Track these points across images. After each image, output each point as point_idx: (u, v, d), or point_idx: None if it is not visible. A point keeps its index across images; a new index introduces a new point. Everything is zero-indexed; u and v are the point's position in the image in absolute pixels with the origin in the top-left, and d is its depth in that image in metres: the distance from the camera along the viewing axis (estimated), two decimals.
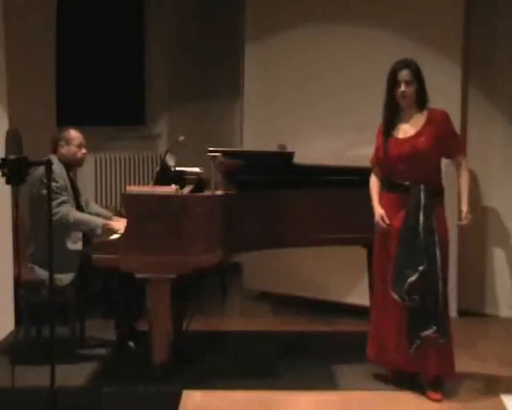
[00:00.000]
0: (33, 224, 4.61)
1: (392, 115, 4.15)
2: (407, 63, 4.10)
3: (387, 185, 4.18)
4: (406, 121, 4.14)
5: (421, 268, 4.00)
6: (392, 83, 4.10)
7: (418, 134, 4.08)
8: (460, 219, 4.13)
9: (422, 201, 4.02)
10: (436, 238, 4.03)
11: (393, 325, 4.14)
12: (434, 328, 4.01)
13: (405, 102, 4.10)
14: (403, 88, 4.06)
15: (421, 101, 4.12)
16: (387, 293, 4.12)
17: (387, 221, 4.11)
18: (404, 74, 4.06)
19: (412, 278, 4.00)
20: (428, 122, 4.09)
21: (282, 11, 6.00)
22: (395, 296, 4.06)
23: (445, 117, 4.13)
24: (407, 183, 4.07)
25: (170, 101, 7.00)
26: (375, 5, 5.62)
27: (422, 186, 4.03)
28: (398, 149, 4.08)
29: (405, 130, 4.13)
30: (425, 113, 4.12)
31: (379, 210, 4.15)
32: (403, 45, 5.42)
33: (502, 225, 5.71)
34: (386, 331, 4.19)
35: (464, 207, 4.10)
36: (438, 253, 4.02)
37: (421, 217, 4.02)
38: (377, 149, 4.22)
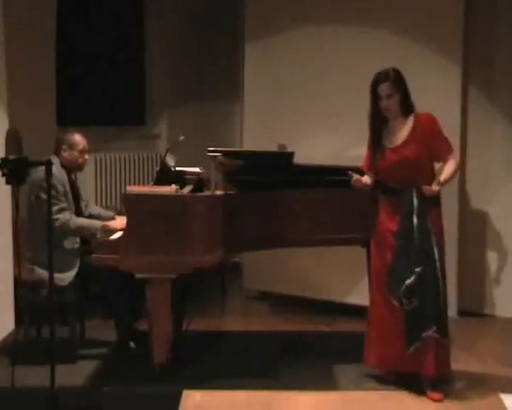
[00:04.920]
0: (32, 226, 4.61)
1: (379, 126, 4.15)
2: (386, 76, 4.07)
3: (383, 189, 4.20)
4: (393, 130, 4.15)
5: (417, 270, 4.01)
6: (375, 96, 4.10)
7: (406, 142, 4.09)
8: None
9: (415, 204, 4.03)
10: (432, 238, 4.03)
11: (391, 327, 4.14)
12: (434, 328, 4.02)
13: (390, 115, 4.12)
14: (384, 102, 4.07)
15: (406, 108, 4.11)
16: (385, 296, 4.13)
17: (360, 179, 4.17)
18: (384, 88, 4.06)
19: (409, 281, 4.01)
20: (415, 128, 4.09)
21: (282, 11, 5.99)
22: (393, 300, 4.07)
23: (430, 120, 4.11)
24: (400, 187, 4.09)
25: (170, 101, 7.00)
26: (374, 5, 5.61)
27: (415, 190, 4.04)
28: (387, 158, 4.11)
29: (393, 139, 4.14)
30: (411, 119, 4.11)
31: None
32: (403, 45, 5.43)
33: (502, 225, 5.70)
34: (384, 334, 4.19)
35: (440, 177, 4.05)
36: (436, 253, 4.03)
37: (415, 219, 4.03)
38: (367, 158, 4.25)
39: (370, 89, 4.12)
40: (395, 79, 4.07)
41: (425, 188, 4.04)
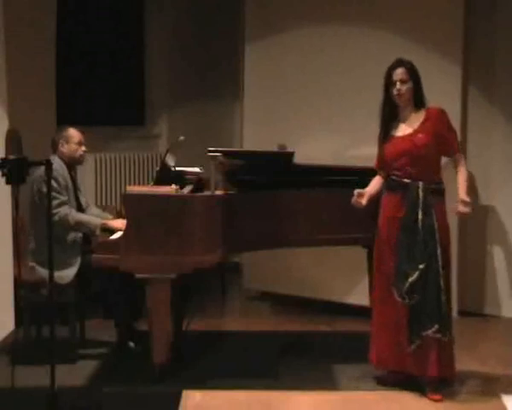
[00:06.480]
0: (34, 221, 4.61)
1: (390, 116, 4.17)
2: (401, 62, 4.13)
3: (388, 184, 4.19)
4: (404, 121, 4.16)
5: (421, 266, 4.01)
6: (388, 83, 4.13)
7: (416, 131, 4.10)
8: (458, 206, 4.10)
9: (421, 198, 4.04)
10: (436, 236, 4.03)
11: (393, 326, 4.13)
12: (436, 326, 4.00)
13: (402, 101, 4.12)
14: (398, 86, 4.09)
15: (418, 100, 4.14)
16: (388, 293, 4.13)
17: (362, 202, 4.18)
18: (399, 73, 4.10)
19: (413, 278, 4.01)
20: (426, 120, 4.11)
21: (282, 11, 6.00)
22: (395, 294, 4.07)
23: (441, 114, 4.14)
24: (406, 180, 4.09)
25: (170, 101, 7.00)
26: (375, 6, 5.62)
27: (421, 183, 4.05)
28: (397, 146, 4.11)
29: (404, 129, 4.15)
30: (423, 112, 4.14)
31: (361, 190, 4.22)
32: (403, 46, 5.42)
33: (502, 224, 5.71)
34: (385, 332, 4.18)
35: (463, 196, 4.08)
36: (439, 250, 4.03)
37: (420, 214, 4.03)
38: (378, 156, 4.26)
39: (385, 76, 4.14)
40: (410, 68, 4.12)
41: (458, 211, 4.08)
